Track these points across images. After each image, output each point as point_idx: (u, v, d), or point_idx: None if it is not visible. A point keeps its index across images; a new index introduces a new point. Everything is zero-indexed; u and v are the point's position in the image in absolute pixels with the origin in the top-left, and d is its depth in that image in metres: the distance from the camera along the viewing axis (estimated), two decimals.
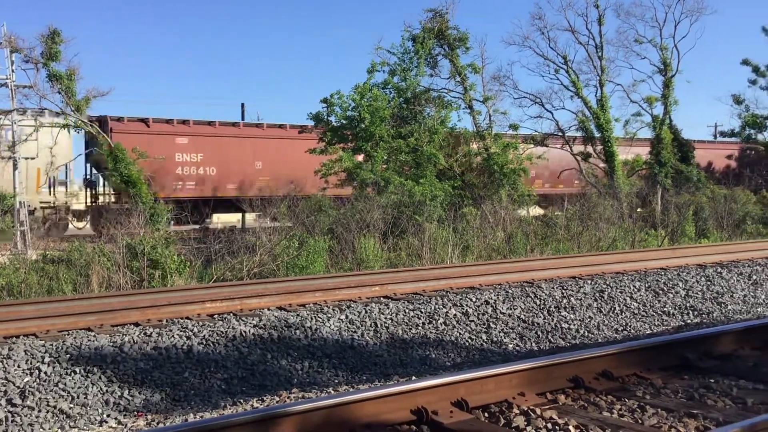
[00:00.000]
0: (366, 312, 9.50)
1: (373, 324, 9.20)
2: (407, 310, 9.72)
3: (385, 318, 9.41)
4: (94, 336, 7.94)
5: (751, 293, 12.60)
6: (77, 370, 7.20)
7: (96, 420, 6.58)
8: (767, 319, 9.21)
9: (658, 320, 10.87)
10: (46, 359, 7.24)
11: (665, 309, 11.28)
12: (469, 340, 9.29)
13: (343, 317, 9.25)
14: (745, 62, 32.75)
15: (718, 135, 40.26)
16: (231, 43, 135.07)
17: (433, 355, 8.75)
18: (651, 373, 5.78)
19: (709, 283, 12.66)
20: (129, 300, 9.60)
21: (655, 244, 20.38)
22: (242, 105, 44.78)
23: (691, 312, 11.36)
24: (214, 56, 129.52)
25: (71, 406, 6.72)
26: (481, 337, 9.42)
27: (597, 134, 26.95)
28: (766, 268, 14.00)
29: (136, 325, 8.55)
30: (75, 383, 7.01)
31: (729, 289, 12.57)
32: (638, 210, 25.29)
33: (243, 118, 41.81)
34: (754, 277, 13.35)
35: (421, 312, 9.73)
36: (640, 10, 31.31)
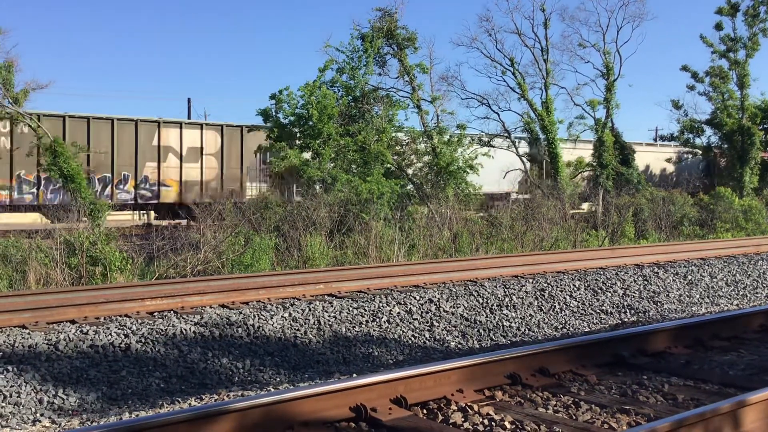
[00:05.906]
0: (310, 310, 9.48)
1: (316, 322, 9.18)
2: (351, 308, 9.73)
3: (329, 316, 9.40)
4: (29, 333, 7.73)
5: (687, 293, 12.98)
6: (10, 368, 7.00)
7: (29, 419, 6.41)
8: (699, 317, 9.51)
9: (596, 318, 11.12)
10: None
11: (603, 308, 11.54)
12: (412, 338, 9.35)
13: (286, 315, 9.21)
14: (685, 68, 33.74)
15: (658, 138, 41.36)
16: (176, 37, 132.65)
17: (376, 353, 8.78)
18: (586, 370, 5.92)
19: (646, 282, 13.00)
20: (66, 297, 9.38)
21: (595, 245, 20.82)
22: (188, 100, 44.07)
23: (628, 311, 11.65)
24: (159, 50, 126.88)
25: (3, 405, 6.53)
26: (424, 335, 9.49)
27: (542, 136, 27.43)
28: (701, 268, 14.45)
29: (73, 322, 8.34)
30: (7, 381, 6.82)
31: (665, 288, 12.93)
32: (581, 208, 25.83)
33: (189, 115, 41.19)
34: (690, 277, 13.76)
35: (365, 310, 9.75)
36: (584, 14, 32.28)
